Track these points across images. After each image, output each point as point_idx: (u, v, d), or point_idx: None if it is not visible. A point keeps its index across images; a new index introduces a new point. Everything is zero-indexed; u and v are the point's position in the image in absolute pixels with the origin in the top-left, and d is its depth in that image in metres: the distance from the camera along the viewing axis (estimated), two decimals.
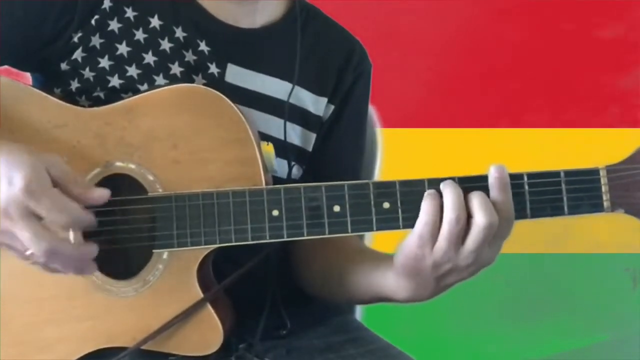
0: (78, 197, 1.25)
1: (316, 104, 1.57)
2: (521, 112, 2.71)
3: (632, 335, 2.72)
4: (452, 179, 1.30)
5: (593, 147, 2.64)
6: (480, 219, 1.26)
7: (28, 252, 1.23)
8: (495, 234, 1.27)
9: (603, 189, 1.31)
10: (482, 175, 1.30)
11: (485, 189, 1.29)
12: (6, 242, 1.23)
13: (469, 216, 1.27)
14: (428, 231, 1.27)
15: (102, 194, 1.28)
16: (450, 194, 1.27)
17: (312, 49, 1.57)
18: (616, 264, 2.75)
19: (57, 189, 1.23)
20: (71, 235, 1.25)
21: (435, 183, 1.30)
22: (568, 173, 1.31)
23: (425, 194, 1.28)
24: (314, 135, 1.57)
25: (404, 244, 1.30)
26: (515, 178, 1.31)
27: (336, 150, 1.60)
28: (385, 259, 1.38)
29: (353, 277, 1.45)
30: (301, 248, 1.52)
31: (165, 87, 1.39)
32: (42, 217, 1.21)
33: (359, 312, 1.77)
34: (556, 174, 1.31)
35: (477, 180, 1.30)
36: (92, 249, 1.27)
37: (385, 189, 1.31)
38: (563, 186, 1.31)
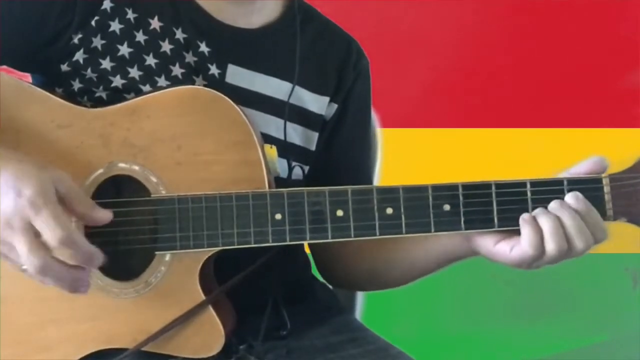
0: (82, 216, 1.27)
1: (317, 103, 1.57)
2: (521, 112, 2.71)
3: (632, 335, 2.72)
4: (456, 186, 1.31)
5: (593, 147, 2.64)
6: (579, 247, 1.31)
7: (23, 267, 1.22)
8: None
9: (606, 197, 1.31)
10: (484, 182, 1.31)
11: (487, 195, 1.31)
12: (4, 252, 1.22)
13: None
14: (530, 261, 1.32)
15: (105, 216, 1.28)
16: (548, 224, 1.31)
17: (311, 48, 1.57)
18: (616, 264, 2.75)
19: (62, 206, 1.22)
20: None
21: (439, 189, 1.31)
22: (571, 181, 1.32)
23: (524, 221, 1.32)
24: (316, 135, 1.58)
25: (495, 253, 1.35)
26: (518, 186, 1.32)
27: (344, 147, 1.61)
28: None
29: (414, 252, 1.49)
30: (350, 245, 1.53)
31: (170, 89, 1.39)
32: (39, 232, 1.20)
33: (359, 312, 1.77)
34: (559, 182, 1.32)
35: (479, 187, 1.31)
36: (84, 274, 1.25)
37: (389, 194, 1.31)
38: (567, 194, 1.31)
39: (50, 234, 1.19)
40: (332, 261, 1.60)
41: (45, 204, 1.19)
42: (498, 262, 1.36)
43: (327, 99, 1.58)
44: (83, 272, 1.24)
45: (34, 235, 1.20)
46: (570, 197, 1.31)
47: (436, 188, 1.31)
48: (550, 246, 1.30)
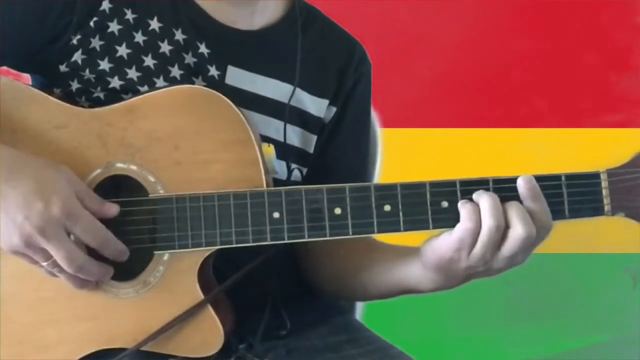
0: (94, 212, 1.31)
1: (316, 106, 1.57)
2: (521, 112, 2.71)
3: (632, 335, 2.72)
4: (454, 183, 1.30)
5: (593, 147, 2.64)
6: (518, 230, 1.28)
7: (46, 263, 1.28)
8: (533, 242, 1.29)
9: (604, 192, 1.31)
10: (482, 178, 1.31)
11: (482, 192, 1.30)
12: (28, 254, 1.28)
13: (506, 226, 1.28)
14: (468, 237, 1.29)
15: (114, 209, 1.33)
16: (488, 201, 1.28)
17: (312, 50, 1.57)
18: (616, 264, 2.74)
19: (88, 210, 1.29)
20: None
21: (437, 186, 1.31)
22: (569, 177, 1.31)
23: (461, 202, 1.30)
24: (314, 137, 1.57)
25: (438, 245, 1.32)
26: (515, 182, 1.31)
27: (341, 151, 1.60)
28: (408, 252, 1.41)
29: (373, 270, 1.47)
30: (314, 245, 1.52)
31: (167, 88, 1.39)
32: (79, 237, 1.29)
33: (359, 312, 1.77)
34: (557, 177, 1.31)
35: (477, 183, 1.31)
36: (110, 270, 1.33)
37: (387, 191, 1.31)
38: (564, 189, 1.31)
39: (91, 239, 1.30)
40: (301, 260, 1.59)
41: (78, 212, 1.28)
42: (442, 253, 1.32)
43: (326, 101, 1.58)
44: (110, 268, 1.33)
45: (70, 239, 1.27)
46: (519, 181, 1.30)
47: (434, 185, 1.31)
48: (488, 220, 1.27)
